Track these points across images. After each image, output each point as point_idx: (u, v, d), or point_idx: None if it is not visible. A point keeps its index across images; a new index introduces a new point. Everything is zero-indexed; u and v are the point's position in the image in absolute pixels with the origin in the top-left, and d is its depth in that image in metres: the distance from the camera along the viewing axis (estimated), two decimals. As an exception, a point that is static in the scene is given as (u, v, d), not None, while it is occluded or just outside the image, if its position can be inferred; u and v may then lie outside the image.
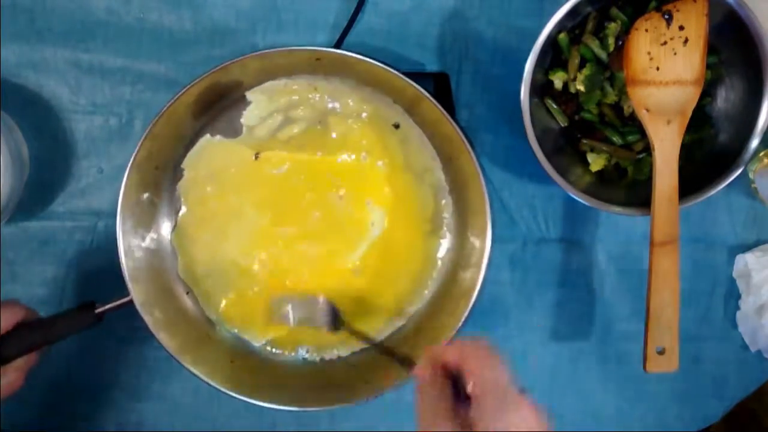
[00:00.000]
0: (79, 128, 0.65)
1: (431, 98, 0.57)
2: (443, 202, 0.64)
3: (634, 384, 0.69)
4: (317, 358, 0.66)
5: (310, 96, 0.63)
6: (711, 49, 0.59)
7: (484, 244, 0.60)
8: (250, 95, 0.63)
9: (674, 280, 0.57)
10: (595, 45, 0.60)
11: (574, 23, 0.61)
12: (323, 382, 0.65)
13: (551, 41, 0.58)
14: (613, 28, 0.60)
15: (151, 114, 0.65)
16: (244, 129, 0.64)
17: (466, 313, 0.60)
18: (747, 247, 0.68)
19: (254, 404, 0.68)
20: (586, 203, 0.59)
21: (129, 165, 0.59)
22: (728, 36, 0.58)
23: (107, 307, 0.58)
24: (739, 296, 0.68)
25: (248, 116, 0.64)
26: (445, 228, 0.65)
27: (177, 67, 0.65)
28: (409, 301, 0.65)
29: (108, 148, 0.66)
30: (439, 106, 0.57)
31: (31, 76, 0.65)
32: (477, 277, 0.60)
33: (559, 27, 0.58)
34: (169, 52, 0.65)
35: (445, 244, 0.65)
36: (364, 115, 0.63)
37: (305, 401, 0.62)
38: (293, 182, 0.64)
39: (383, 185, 0.64)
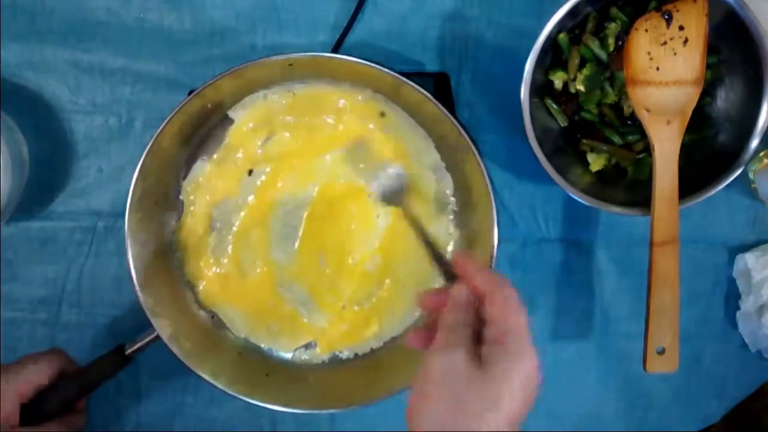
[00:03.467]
0: (78, 128, 0.65)
1: (409, 82, 0.57)
2: (443, 180, 0.64)
3: (635, 384, 0.69)
4: (326, 358, 0.66)
5: (290, 102, 0.63)
6: (711, 49, 0.59)
7: (489, 211, 0.58)
8: (231, 113, 0.63)
9: (674, 280, 0.57)
10: (595, 45, 0.60)
11: (574, 23, 0.61)
12: (334, 383, 0.65)
13: (551, 41, 0.58)
14: (613, 28, 0.60)
15: (151, 114, 0.65)
16: (233, 147, 0.63)
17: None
18: (747, 247, 0.68)
19: (254, 405, 0.68)
20: (586, 203, 0.59)
21: (127, 208, 0.58)
22: (728, 36, 0.58)
23: (136, 347, 0.58)
24: (739, 296, 0.68)
25: (234, 134, 0.63)
26: (450, 206, 0.64)
27: (177, 67, 0.65)
28: (430, 285, 0.65)
29: (108, 148, 0.66)
30: (418, 87, 0.57)
31: (31, 76, 0.65)
32: (491, 243, 0.59)
33: (559, 27, 0.58)
34: (169, 52, 0.65)
35: (453, 221, 0.65)
36: (347, 109, 0.63)
37: (315, 402, 0.62)
38: (291, 189, 0.64)
39: None
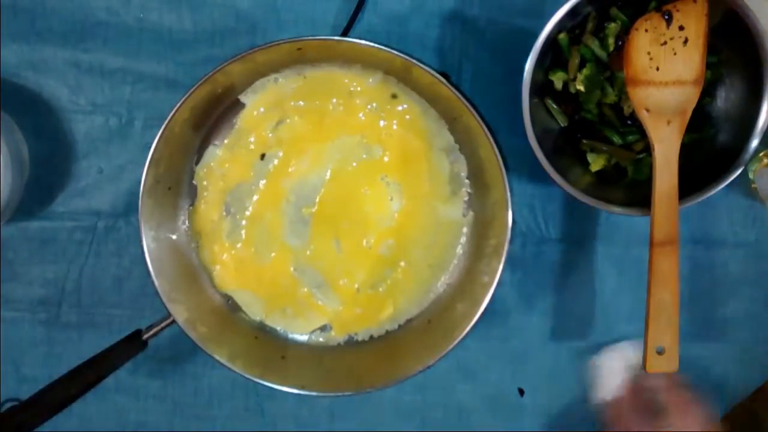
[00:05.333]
0: (78, 128, 0.66)
1: (419, 63, 0.57)
2: (457, 161, 0.64)
3: (634, 384, 0.69)
4: (341, 341, 0.66)
5: (301, 85, 0.63)
6: (711, 49, 0.58)
7: (503, 193, 0.59)
8: (243, 98, 0.63)
9: (674, 280, 0.57)
10: (595, 45, 0.60)
11: (574, 23, 0.61)
12: (350, 365, 0.65)
13: (551, 41, 0.58)
14: (613, 28, 0.60)
15: (151, 114, 0.65)
16: (245, 132, 0.64)
17: (500, 269, 0.59)
18: (746, 247, 0.68)
19: (254, 404, 0.69)
20: (586, 203, 0.59)
21: (140, 193, 0.58)
22: (728, 36, 0.58)
23: (153, 332, 0.59)
24: (738, 296, 0.68)
25: (245, 119, 0.64)
26: (464, 188, 0.65)
27: (177, 67, 0.65)
28: (444, 267, 0.65)
29: (108, 148, 0.66)
30: (429, 70, 0.57)
31: (31, 76, 0.65)
32: (504, 233, 0.59)
33: (559, 27, 0.58)
34: (169, 52, 0.65)
35: (467, 203, 0.65)
36: (359, 90, 0.63)
37: (331, 385, 0.62)
38: (303, 173, 0.64)
39: (394, 157, 0.64)
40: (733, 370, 0.69)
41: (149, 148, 0.58)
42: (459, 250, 0.65)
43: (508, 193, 0.58)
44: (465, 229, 0.65)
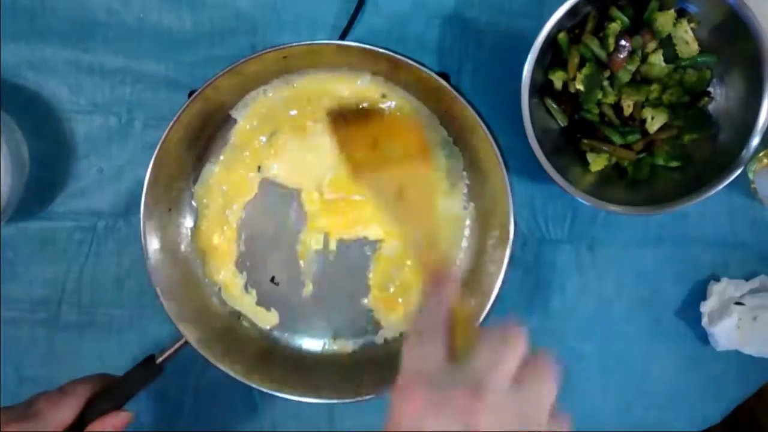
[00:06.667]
0: (79, 128, 0.66)
1: (405, 58, 0.57)
2: (452, 154, 0.64)
3: (634, 385, 0.69)
4: (356, 347, 0.66)
5: (290, 94, 0.63)
6: (711, 48, 0.59)
7: (501, 178, 0.58)
8: (234, 113, 0.63)
9: None
10: (594, 44, 0.60)
11: (573, 23, 0.61)
12: (367, 370, 0.64)
13: (551, 41, 0.58)
14: (613, 28, 0.60)
15: (151, 114, 0.65)
16: (239, 147, 0.64)
17: (507, 255, 0.60)
18: (747, 247, 0.68)
19: (254, 404, 0.68)
20: (586, 203, 0.59)
21: (141, 215, 0.59)
22: (728, 35, 0.58)
23: (166, 355, 0.58)
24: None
25: (238, 133, 0.64)
26: (463, 180, 0.65)
27: (177, 67, 0.65)
28: (450, 262, 0.65)
29: (108, 148, 0.66)
30: (415, 64, 0.57)
31: (31, 76, 0.65)
32: (507, 219, 0.59)
33: (559, 26, 0.58)
34: (169, 52, 0.65)
35: (466, 196, 0.65)
36: (347, 94, 0.63)
37: (348, 392, 0.62)
38: (300, 182, 0.64)
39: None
40: (733, 371, 0.69)
41: (149, 148, 0.58)
42: (464, 243, 0.65)
43: (506, 178, 0.58)
44: (468, 222, 0.65)
